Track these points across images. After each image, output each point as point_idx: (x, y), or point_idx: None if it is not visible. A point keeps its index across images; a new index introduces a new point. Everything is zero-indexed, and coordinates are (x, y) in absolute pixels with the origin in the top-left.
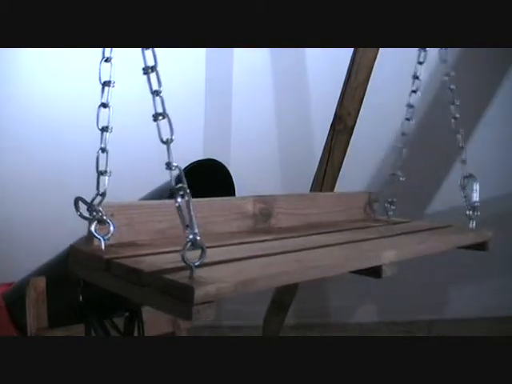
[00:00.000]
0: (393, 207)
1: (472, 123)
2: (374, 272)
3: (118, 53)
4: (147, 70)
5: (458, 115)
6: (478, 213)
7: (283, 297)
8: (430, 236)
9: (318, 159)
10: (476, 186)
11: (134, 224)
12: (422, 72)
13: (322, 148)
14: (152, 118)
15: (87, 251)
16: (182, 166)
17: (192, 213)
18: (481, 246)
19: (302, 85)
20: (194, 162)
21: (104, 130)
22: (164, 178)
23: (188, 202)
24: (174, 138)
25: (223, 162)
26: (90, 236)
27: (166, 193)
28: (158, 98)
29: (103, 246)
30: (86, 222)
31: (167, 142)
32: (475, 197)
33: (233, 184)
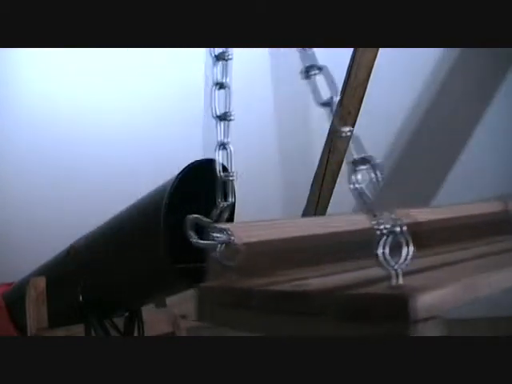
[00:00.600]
0: None
1: (472, 123)
2: None
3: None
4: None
5: None
6: None
7: None
8: None
9: (318, 159)
10: None
11: (253, 246)
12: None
13: (322, 148)
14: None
15: (218, 287)
16: (182, 167)
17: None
18: None
19: (301, 84)
20: (193, 162)
21: (223, 118)
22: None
23: (378, 175)
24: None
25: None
26: (217, 266)
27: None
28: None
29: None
30: (85, 223)
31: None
32: None
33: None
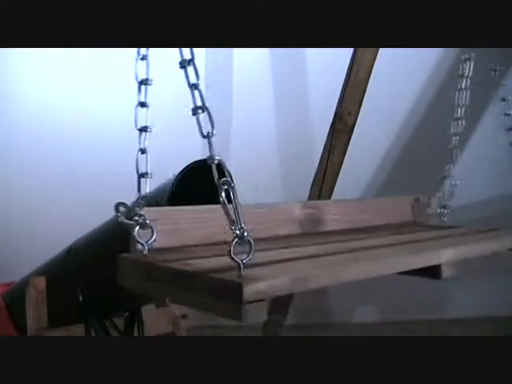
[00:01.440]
0: (447, 212)
1: (472, 123)
2: (433, 272)
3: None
4: (184, 64)
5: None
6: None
7: (283, 296)
8: (485, 237)
9: (318, 159)
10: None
11: (178, 229)
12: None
13: (322, 148)
14: (191, 113)
15: (130, 258)
16: (181, 168)
17: (238, 207)
18: None
19: (302, 84)
20: (193, 162)
21: (143, 130)
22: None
23: (234, 195)
24: (215, 132)
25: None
26: (133, 242)
27: (164, 193)
28: (196, 92)
29: (146, 252)
30: (85, 222)
31: (208, 136)
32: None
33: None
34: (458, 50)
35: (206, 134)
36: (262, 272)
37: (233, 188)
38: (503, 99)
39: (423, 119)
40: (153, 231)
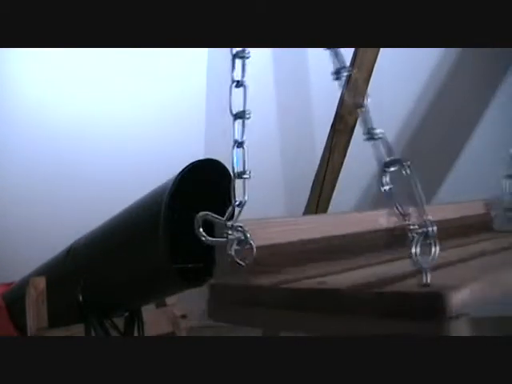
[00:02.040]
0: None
1: (472, 123)
2: None
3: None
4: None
5: None
6: None
7: None
8: None
9: (319, 159)
10: None
11: (272, 244)
12: None
13: (323, 148)
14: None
15: (231, 285)
16: (182, 167)
17: (418, 191)
18: None
19: (302, 84)
20: (193, 162)
21: (239, 116)
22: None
23: (411, 176)
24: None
25: (223, 163)
26: (226, 263)
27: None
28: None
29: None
30: (85, 223)
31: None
32: None
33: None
34: (458, 50)
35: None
36: (444, 280)
37: (408, 167)
38: None
39: (424, 119)
40: (252, 247)
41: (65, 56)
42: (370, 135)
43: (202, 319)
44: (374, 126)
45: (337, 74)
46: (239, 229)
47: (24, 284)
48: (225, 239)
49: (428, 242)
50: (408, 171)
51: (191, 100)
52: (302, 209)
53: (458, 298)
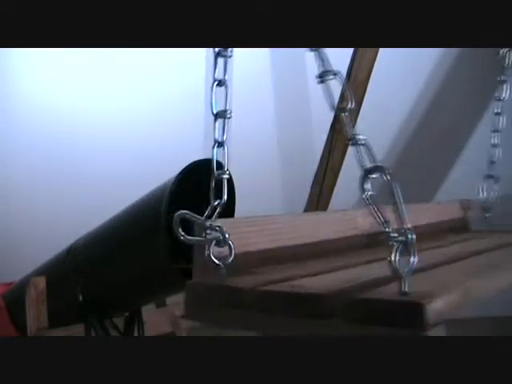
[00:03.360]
0: (491, 215)
1: (473, 123)
2: None
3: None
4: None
5: (499, 110)
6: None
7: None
8: None
9: (318, 159)
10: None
11: (249, 244)
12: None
13: (323, 148)
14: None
15: (207, 284)
16: (182, 167)
17: (399, 198)
18: None
19: (302, 84)
20: (193, 162)
21: (219, 115)
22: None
23: (392, 183)
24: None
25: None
26: (202, 263)
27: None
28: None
29: (224, 274)
30: (85, 223)
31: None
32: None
33: (233, 184)
34: (458, 50)
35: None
36: (423, 286)
37: (390, 174)
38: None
39: (424, 119)
40: (231, 248)
41: (65, 56)
42: (354, 141)
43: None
44: (376, 128)
45: (321, 77)
46: (217, 229)
47: (24, 284)
48: (203, 238)
49: (407, 249)
50: (389, 178)
51: (191, 100)
52: (302, 209)
53: (435, 309)
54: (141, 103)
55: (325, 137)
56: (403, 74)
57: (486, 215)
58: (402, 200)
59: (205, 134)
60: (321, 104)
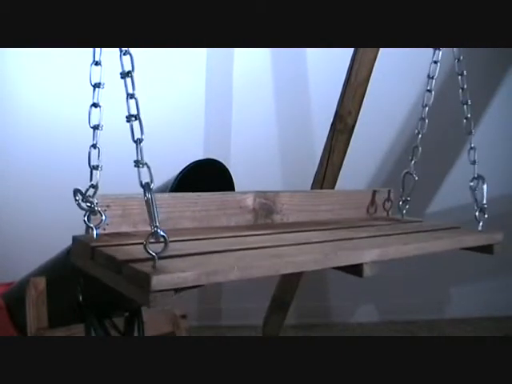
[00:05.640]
0: (406, 206)
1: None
2: (356, 271)
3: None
4: (123, 75)
5: (469, 115)
6: (486, 215)
7: (283, 296)
8: (430, 236)
9: (319, 159)
10: (484, 188)
11: (129, 215)
12: (437, 71)
13: (323, 148)
14: (126, 120)
15: (81, 240)
16: (182, 167)
17: (154, 207)
18: (486, 249)
19: (302, 84)
20: (193, 162)
21: (95, 128)
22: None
23: (151, 197)
24: (143, 137)
25: (223, 162)
26: (86, 226)
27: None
28: (132, 101)
29: (95, 235)
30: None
31: (137, 142)
32: (483, 198)
33: (233, 184)
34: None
35: (135, 139)
36: (173, 264)
37: (150, 190)
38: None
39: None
40: (102, 216)
41: (64, 56)
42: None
43: (201, 319)
44: (376, 128)
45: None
46: (92, 202)
47: (24, 284)
48: (84, 208)
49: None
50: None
51: (191, 100)
52: None
53: (159, 280)
54: (141, 104)
55: (325, 137)
56: (403, 74)
57: (403, 205)
58: (155, 204)
59: (205, 134)
60: (321, 104)
